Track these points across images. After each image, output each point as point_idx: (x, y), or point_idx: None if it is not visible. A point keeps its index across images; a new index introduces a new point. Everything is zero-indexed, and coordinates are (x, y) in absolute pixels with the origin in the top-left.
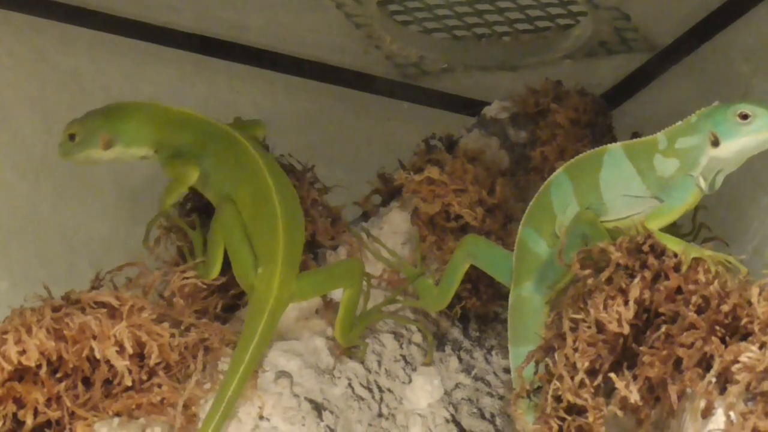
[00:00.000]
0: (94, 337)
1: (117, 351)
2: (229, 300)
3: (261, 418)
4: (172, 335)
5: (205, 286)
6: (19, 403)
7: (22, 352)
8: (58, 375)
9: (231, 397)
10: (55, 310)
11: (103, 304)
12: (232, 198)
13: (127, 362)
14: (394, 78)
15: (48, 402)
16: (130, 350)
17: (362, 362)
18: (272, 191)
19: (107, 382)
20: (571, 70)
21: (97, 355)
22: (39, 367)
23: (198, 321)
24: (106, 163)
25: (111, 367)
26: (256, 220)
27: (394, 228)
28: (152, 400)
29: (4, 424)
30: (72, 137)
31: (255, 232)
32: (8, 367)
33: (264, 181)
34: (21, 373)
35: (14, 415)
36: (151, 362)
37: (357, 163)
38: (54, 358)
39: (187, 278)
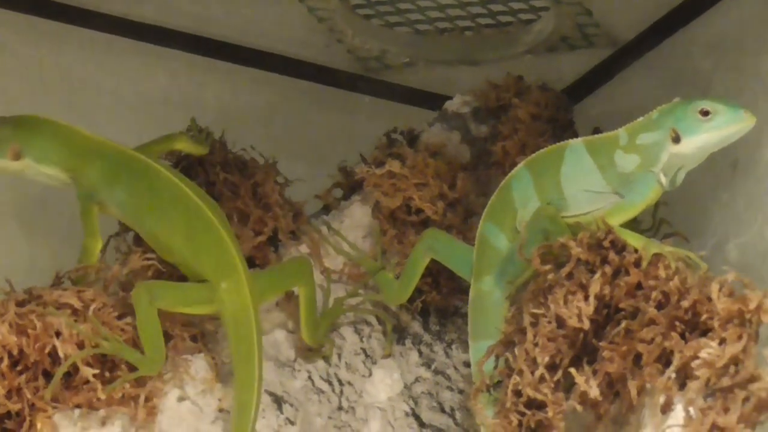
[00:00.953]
0: (58, 335)
1: (79, 349)
2: None
3: (221, 410)
4: (135, 327)
5: (164, 270)
6: None
7: None
8: (19, 368)
9: (254, 418)
10: (19, 305)
11: (66, 305)
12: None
13: (89, 359)
14: (356, 72)
15: (8, 394)
16: (92, 350)
17: (329, 359)
18: (203, 208)
19: (68, 375)
20: (532, 65)
21: (60, 353)
22: (0, 359)
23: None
24: (14, 174)
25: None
26: (195, 240)
27: (355, 222)
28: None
29: None
30: None
31: (200, 251)
32: None
33: (190, 201)
34: None
35: None
36: (116, 359)
37: (319, 157)
38: (15, 352)
39: (148, 260)
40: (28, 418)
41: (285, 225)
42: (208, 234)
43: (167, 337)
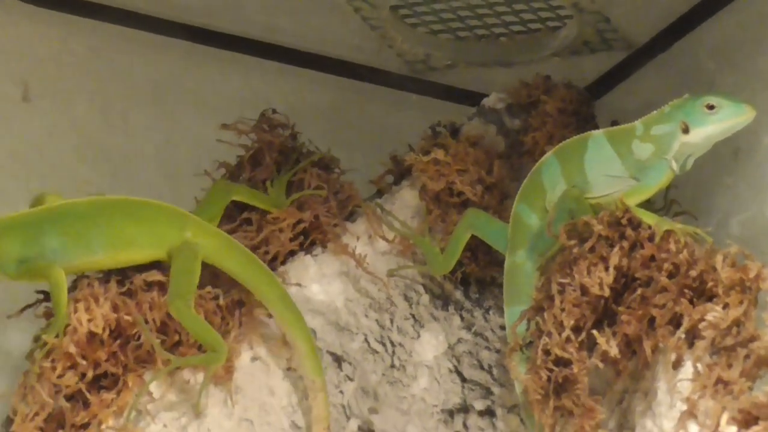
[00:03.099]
0: (150, 309)
1: (167, 316)
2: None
3: (289, 369)
4: (215, 297)
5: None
6: (84, 358)
7: (91, 320)
8: (115, 336)
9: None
10: (119, 284)
11: (154, 283)
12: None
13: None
14: (405, 73)
15: (107, 359)
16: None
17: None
18: (122, 199)
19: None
20: (558, 66)
21: (151, 324)
22: (103, 330)
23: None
24: None
25: (164, 324)
26: (142, 225)
27: (405, 203)
28: (195, 352)
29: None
30: None
31: (151, 229)
32: (82, 330)
33: (108, 200)
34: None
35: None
36: None
37: (372, 148)
38: (113, 325)
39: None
40: (121, 378)
41: (338, 204)
42: (145, 211)
43: (241, 304)
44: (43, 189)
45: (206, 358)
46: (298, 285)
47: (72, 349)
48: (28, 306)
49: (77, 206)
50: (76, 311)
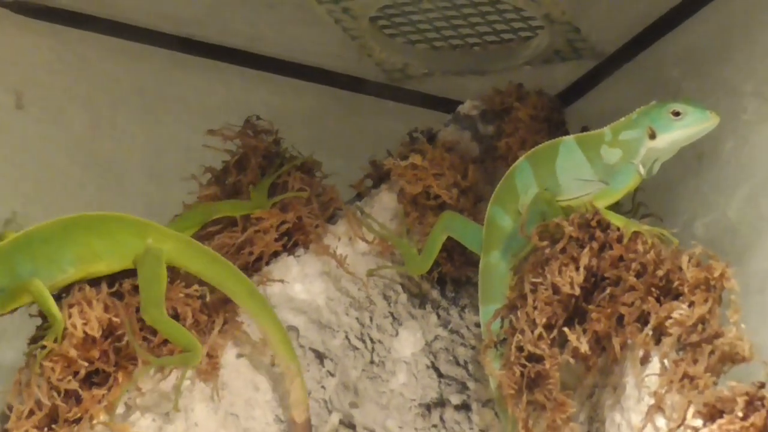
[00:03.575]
0: (138, 311)
1: None
2: (242, 258)
3: (273, 365)
4: (201, 296)
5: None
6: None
7: (86, 323)
8: (106, 335)
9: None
10: (110, 285)
11: None
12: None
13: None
14: (383, 81)
15: (99, 357)
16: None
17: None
18: (82, 216)
19: (146, 339)
20: (530, 75)
21: (139, 324)
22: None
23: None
24: None
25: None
26: (106, 238)
27: (384, 206)
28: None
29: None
30: None
31: (114, 242)
32: (78, 334)
33: (69, 219)
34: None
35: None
36: (187, 323)
37: (352, 153)
38: (106, 326)
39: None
40: (112, 375)
41: (321, 206)
42: (106, 224)
43: (226, 302)
44: (36, 191)
45: (183, 358)
46: (282, 282)
47: (72, 353)
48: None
49: (41, 230)
50: (70, 316)
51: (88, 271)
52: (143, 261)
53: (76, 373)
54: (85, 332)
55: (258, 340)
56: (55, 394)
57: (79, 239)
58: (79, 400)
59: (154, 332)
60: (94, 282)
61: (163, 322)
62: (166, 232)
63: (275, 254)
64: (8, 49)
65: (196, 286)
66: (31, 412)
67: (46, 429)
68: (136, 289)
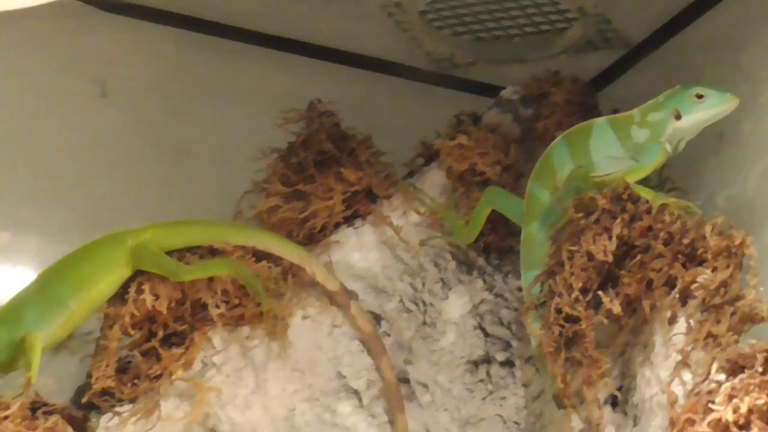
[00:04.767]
0: (211, 279)
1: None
2: (307, 230)
3: (334, 326)
4: (269, 267)
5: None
6: (153, 320)
7: (156, 298)
8: (182, 302)
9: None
10: (181, 258)
11: (216, 251)
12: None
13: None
14: (432, 69)
15: (175, 320)
16: (238, 284)
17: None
18: (67, 255)
19: (225, 302)
20: (566, 63)
21: (216, 286)
22: (169, 301)
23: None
24: None
25: (225, 292)
26: (86, 260)
27: (434, 182)
28: (253, 312)
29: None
30: None
31: (95, 257)
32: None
33: (61, 260)
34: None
35: (149, 329)
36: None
37: (404, 135)
38: (179, 297)
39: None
40: (189, 336)
41: (377, 182)
42: (87, 250)
43: (292, 271)
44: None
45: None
46: (342, 249)
47: (138, 316)
48: None
49: (36, 282)
50: (142, 292)
51: (91, 297)
52: (136, 258)
53: (154, 334)
54: (154, 305)
55: (322, 303)
56: (136, 352)
57: (72, 271)
58: (159, 358)
59: (229, 298)
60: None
61: (197, 269)
62: (141, 229)
63: (336, 225)
64: (94, 42)
65: (264, 261)
66: (107, 366)
67: (129, 384)
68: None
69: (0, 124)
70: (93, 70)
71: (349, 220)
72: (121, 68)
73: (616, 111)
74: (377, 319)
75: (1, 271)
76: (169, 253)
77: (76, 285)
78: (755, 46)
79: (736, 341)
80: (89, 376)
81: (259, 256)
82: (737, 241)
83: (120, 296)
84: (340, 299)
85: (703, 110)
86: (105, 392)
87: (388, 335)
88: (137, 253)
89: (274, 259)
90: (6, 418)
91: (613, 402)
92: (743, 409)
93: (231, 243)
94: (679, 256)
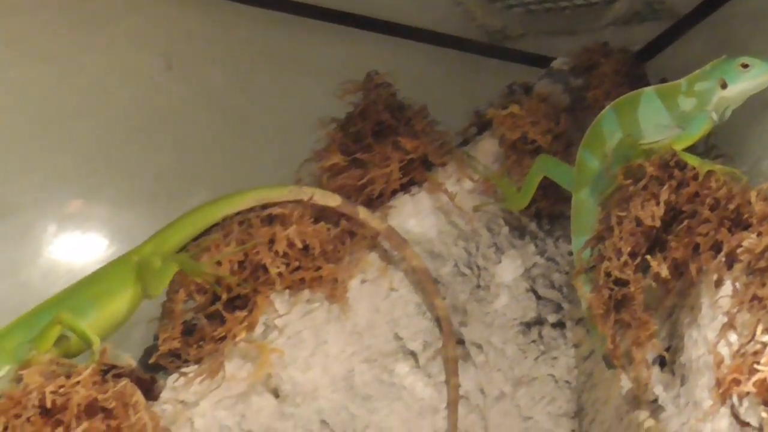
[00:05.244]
0: (272, 241)
1: (288, 246)
2: (365, 196)
3: (392, 289)
4: (328, 229)
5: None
6: (217, 284)
7: (219, 264)
8: (244, 266)
9: None
10: (241, 223)
11: (275, 216)
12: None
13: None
14: (485, 41)
15: (238, 284)
16: (299, 245)
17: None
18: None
19: (285, 264)
20: (614, 34)
21: (277, 249)
22: (230, 264)
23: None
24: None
25: (285, 254)
26: (99, 280)
27: (487, 150)
28: (314, 276)
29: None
30: None
31: (112, 275)
32: (211, 272)
33: (76, 283)
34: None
35: (213, 292)
36: (315, 252)
37: (457, 105)
38: (242, 259)
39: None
40: (252, 299)
41: (432, 150)
42: (101, 271)
43: (352, 235)
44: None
45: None
46: (399, 216)
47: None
48: None
49: (66, 291)
50: (203, 258)
51: (108, 312)
52: (139, 274)
53: (218, 298)
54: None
55: (380, 267)
56: (201, 315)
57: (89, 290)
58: (223, 321)
59: (289, 260)
60: (223, 226)
61: (161, 280)
62: (142, 244)
63: (393, 192)
64: (159, 17)
65: (323, 223)
66: (178, 332)
67: (194, 346)
68: (269, 219)
69: (73, 97)
70: (159, 44)
71: (405, 187)
72: (185, 43)
73: (663, 81)
74: (434, 282)
75: (73, 237)
76: (181, 250)
77: (93, 300)
78: None
79: None
80: (156, 338)
81: (317, 217)
82: None
83: None
84: (346, 209)
85: (749, 79)
86: (171, 354)
87: (443, 298)
88: (140, 270)
89: (333, 221)
90: (78, 383)
91: (661, 362)
92: None
93: (223, 215)
94: (725, 221)
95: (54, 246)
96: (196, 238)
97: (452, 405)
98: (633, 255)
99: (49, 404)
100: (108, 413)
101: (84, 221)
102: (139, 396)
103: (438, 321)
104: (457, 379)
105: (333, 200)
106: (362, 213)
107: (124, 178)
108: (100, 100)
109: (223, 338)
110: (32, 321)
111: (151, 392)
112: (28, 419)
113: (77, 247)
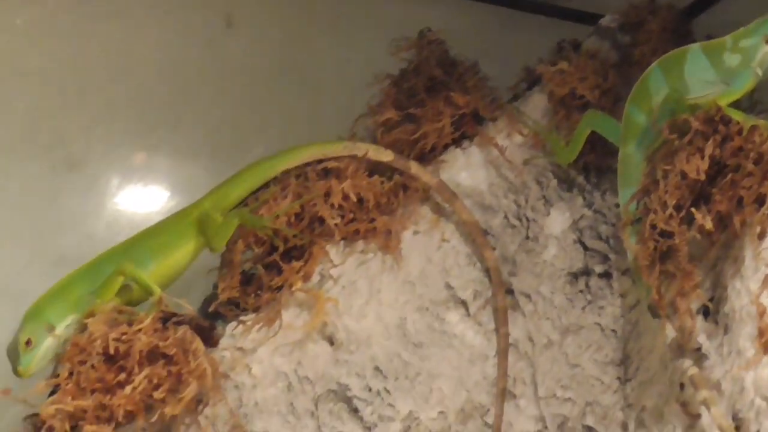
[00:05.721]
0: (328, 194)
1: (344, 199)
2: (417, 150)
3: (443, 240)
4: (382, 183)
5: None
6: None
7: (276, 218)
8: (301, 218)
9: None
10: (298, 176)
11: (330, 170)
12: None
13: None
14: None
15: (294, 236)
16: (354, 198)
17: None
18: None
19: (341, 216)
20: None
21: (332, 201)
22: (288, 217)
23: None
24: (56, 348)
25: (340, 207)
26: (165, 230)
27: (536, 105)
28: (368, 227)
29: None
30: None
31: (173, 228)
32: (270, 225)
33: (138, 235)
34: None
35: (271, 243)
36: (370, 205)
37: (509, 62)
38: (299, 211)
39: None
40: (308, 249)
41: (483, 106)
42: (165, 222)
43: (405, 188)
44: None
45: None
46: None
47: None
48: None
49: (130, 240)
50: (260, 211)
51: (168, 264)
52: (200, 228)
53: (275, 248)
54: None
55: (432, 218)
56: (259, 265)
57: (152, 241)
58: (279, 271)
59: (344, 212)
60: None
61: (224, 235)
62: (201, 199)
63: (445, 146)
64: None
65: (377, 176)
66: (237, 282)
67: (253, 295)
68: (325, 173)
69: (138, 55)
70: (219, 3)
71: (457, 141)
72: (245, 1)
73: (709, 37)
74: (484, 234)
75: (136, 189)
76: (239, 205)
77: (155, 252)
78: None
79: None
80: (215, 288)
81: (371, 171)
82: None
83: None
84: (399, 164)
85: None
86: (230, 302)
87: (494, 249)
88: (201, 224)
89: (387, 175)
90: (140, 330)
91: (705, 312)
92: None
93: (280, 170)
94: None
95: (118, 198)
96: (254, 192)
97: (502, 353)
98: (678, 208)
99: (112, 351)
100: (169, 359)
101: (146, 174)
102: (198, 343)
103: (488, 272)
104: (507, 329)
105: (386, 156)
106: (414, 167)
107: (186, 133)
108: (165, 58)
109: (280, 288)
110: (95, 271)
111: (210, 339)
112: (92, 366)
113: (140, 199)
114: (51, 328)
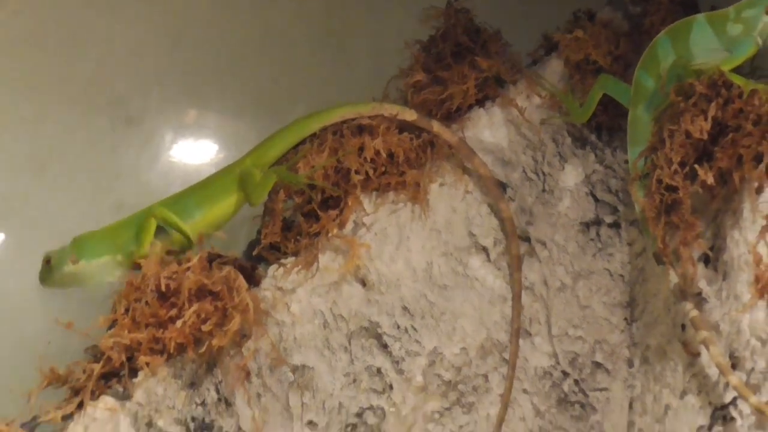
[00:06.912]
0: (361, 149)
1: (376, 154)
2: (444, 110)
3: (467, 192)
4: (411, 139)
5: (431, 98)
6: (312, 187)
7: (311, 177)
8: (338, 170)
9: None
10: (334, 133)
11: (363, 127)
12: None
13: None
14: None
15: (332, 185)
16: (385, 154)
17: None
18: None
19: (374, 170)
20: None
21: (366, 156)
22: (325, 170)
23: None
24: (78, 276)
25: (373, 161)
26: (210, 183)
27: (553, 70)
28: (398, 180)
29: (303, 199)
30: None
31: (218, 181)
32: (306, 182)
33: (186, 189)
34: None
35: (309, 194)
36: (400, 159)
37: (528, 29)
38: (335, 164)
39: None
40: (343, 199)
41: (505, 70)
42: (212, 177)
43: (432, 145)
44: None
45: None
46: (475, 128)
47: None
48: None
49: (180, 193)
50: (297, 170)
51: (211, 214)
52: (242, 184)
53: (312, 199)
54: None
55: (457, 172)
56: (299, 214)
57: (198, 194)
58: (317, 218)
59: (376, 165)
60: (317, 136)
61: (262, 191)
62: (243, 157)
63: (470, 106)
64: None
65: (406, 133)
66: (273, 224)
67: (292, 240)
68: (359, 130)
69: (190, 23)
70: None
71: (480, 102)
72: None
73: (713, 8)
74: (503, 186)
75: (187, 143)
76: (279, 161)
77: (199, 204)
78: None
79: None
80: (259, 233)
81: (401, 129)
82: None
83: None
84: (422, 123)
85: None
86: (272, 247)
87: (513, 200)
88: (242, 180)
89: (416, 133)
90: (188, 269)
91: (706, 260)
92: None
93: (315, 129)
94: (767, 134)
95: (171, 151)
96: (294, 148)
97: (516, 297)
98: (682, 164)
99: (164, 288)
100: (215, 296)
101: (197, 130)
102: (241, 280)
103: (503, 222)
104: (520, 274)
105: (410, 115)
106: (436, 126)
107: (232, 94)
108: (213, 26)
109: (317, 234)
110: (141, 218)
111: (252, 278)
112: (146, 302)
113: (191, 153)
114: (75, 260)
